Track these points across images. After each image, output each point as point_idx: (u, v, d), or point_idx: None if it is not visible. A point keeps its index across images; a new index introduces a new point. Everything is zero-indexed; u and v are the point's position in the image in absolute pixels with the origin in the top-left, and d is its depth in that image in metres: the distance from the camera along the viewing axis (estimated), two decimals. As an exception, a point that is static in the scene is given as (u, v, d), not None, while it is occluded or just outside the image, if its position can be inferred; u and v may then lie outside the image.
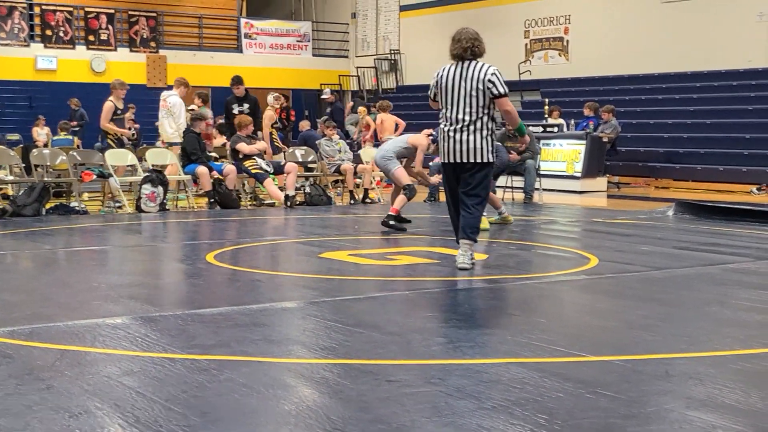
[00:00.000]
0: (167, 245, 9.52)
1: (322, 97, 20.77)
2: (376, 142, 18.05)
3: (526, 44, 24.69)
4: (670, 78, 20.73)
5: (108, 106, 13.77)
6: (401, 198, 10.09)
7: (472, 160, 7.11)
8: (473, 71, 7.08)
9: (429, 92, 7.47)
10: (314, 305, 5.67)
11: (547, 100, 19.48)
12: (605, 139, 16.70)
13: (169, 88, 16.60)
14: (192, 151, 12.94)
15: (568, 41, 23.79)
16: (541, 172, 14.94)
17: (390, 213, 10.06)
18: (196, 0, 29.12)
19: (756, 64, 19.39)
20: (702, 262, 7.76)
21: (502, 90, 7.04)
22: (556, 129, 17.19)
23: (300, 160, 14.28)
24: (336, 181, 15.18)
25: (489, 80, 7.01)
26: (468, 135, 7.10)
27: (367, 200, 13.91)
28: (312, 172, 14.50)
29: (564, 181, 16.34)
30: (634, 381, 3.94)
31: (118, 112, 13.62)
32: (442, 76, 7.26)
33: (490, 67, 7.10)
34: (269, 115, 15.73)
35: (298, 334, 4.98)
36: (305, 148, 14.77)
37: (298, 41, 29.47)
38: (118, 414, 3.44)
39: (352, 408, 3.53)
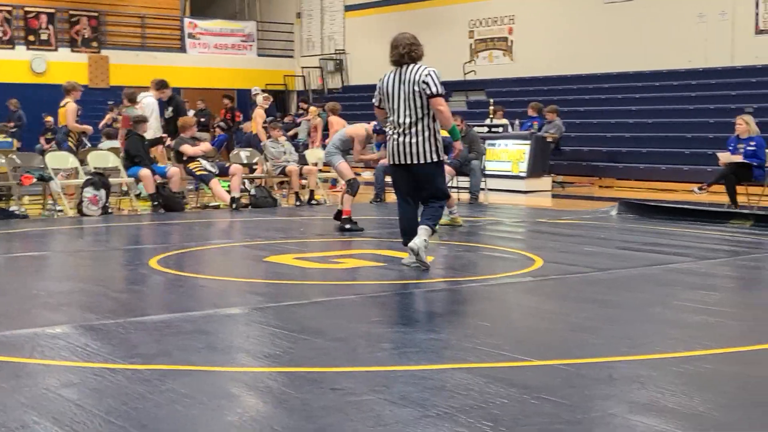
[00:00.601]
0: (110, 250, 9.38)
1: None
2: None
3: (471, 44, 24.80)
4: (612, 78, 20.96)
5: (73, 106, 13.97)
6: (347, 197, 10.08)
7: (416, 162, 7.23)
8: (410, 74, 7.20)
9: (374, 100, 7.56)
10: (259, 311, 5.62)
11: (491, 100, 19.58)
12: (549, 139, 16.82)
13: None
14: (135, 153, 12.78)
15: (512, 41, 23.93)
16: (487, 172, 15.00)
17: (343, 216, 10.03)
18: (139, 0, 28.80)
19: (696, 65, 19.69)
20: (645, 262, 7.83)
21: (434, 90, 7.12)
22: (500, 129, 17.28)
23: (245, 161, 14.16)
24: (281, 183, 15.10)
25: (423, 81, 7.12)
26: (411, 137, 7.22)
27: (313, 202, 13.85)
28: (256, 173, 14.39)
29: (509, 181, 16.43)
30: (578, 385, 3.96)
31: (79, 113, 13.75)
32: (384, 83, 7.39)
33: (426, 68, 7.21)
34: (260, 113, 15.88)
35: (242, 341, 4.93)
36: (250, 149, 14.66)
37: (242, 41, 29.30)
38: (56, 428, 3.36)
39: (296, 417, 3.50)
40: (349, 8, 28.62)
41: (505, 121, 17.71)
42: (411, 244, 7.18)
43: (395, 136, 7.29)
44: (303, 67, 29.33)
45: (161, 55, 27.52)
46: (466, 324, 5.39)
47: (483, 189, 14.35)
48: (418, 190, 7.38)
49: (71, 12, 26.36)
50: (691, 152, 16.95)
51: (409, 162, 7.24)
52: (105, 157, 13.26)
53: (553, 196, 16.22)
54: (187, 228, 10.98)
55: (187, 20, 28.66)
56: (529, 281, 6.91)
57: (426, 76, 7.13)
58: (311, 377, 4.08)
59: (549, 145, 16.85)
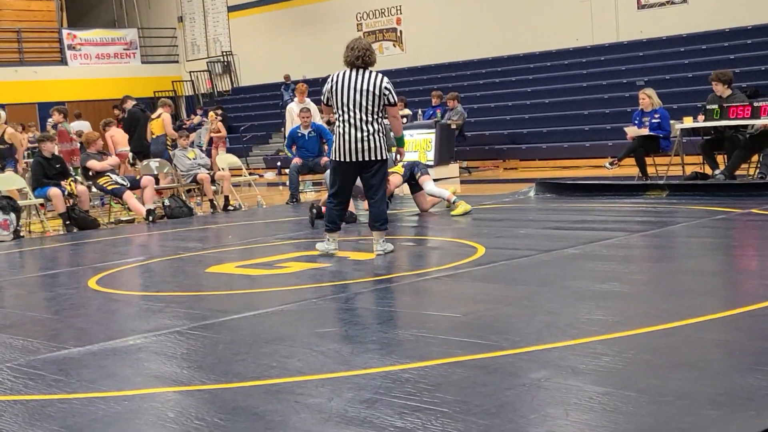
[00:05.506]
0: (40, 274, 9.05)
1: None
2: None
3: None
4: (504, 61, 21.32)
5: (168, 117, 15.23)
6: None
7: (373, 158, 7.63)
8: (368, 78, 7.62)
9: (323, 97, 7.78)
10: (232, 323, 5.53)
11: (392, 91, 19.66)
12: (453, 126, 17.02)
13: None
14: (36, 178, 12.37)
15: (401, 31, 24.11)
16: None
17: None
18: (13, 13, 27.88)
19: (583, 43, 20.20)
20: (582, 240, 7.94)
21: (394, 99, 7.71)
22: (405, 120, 17.40)
23: (155, 172, 13.88)
24: (188, 191, 14.77)
25: (386, 88, 7.65)
26: (367, 135, 7.57)
27: (229, 207, 13.66)
28: (167, 184, 14.10)
29: (418, 170, 16.50)
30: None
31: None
32: (336, 81, 7.65)
33: (383, 77, 7.68)
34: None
35: (230, 356, 4.84)
36: (159, 159, 14.37)
37: (125, 49, 28.74)
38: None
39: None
40: (232, 8, 28.31)
41: (408, 111, 17.84)
42: (380, 251, 7.75)
43: (352, 132, 7.56)
44: (190, 72, 28.88)
45: (42, 69, 26.82)
46: (441, 318, 5.40)
47: (397, 180, 14.38)
48: (366, 186, 7.83)
49: (-57, 30, 25.42)
50: (590, 128, 17.38)
51: (364, 159, 7.60)
52: (12, 179, 12.81)
53: (462, 182, 16.40)
54: (111, 245, 10.71)
55: (65, 31, 27.96)
56: (481, 269, 6.96)
57: (388, 83, 7.66)
58: (317, 383, 4.05)
59: (453, 132, 17.04)
